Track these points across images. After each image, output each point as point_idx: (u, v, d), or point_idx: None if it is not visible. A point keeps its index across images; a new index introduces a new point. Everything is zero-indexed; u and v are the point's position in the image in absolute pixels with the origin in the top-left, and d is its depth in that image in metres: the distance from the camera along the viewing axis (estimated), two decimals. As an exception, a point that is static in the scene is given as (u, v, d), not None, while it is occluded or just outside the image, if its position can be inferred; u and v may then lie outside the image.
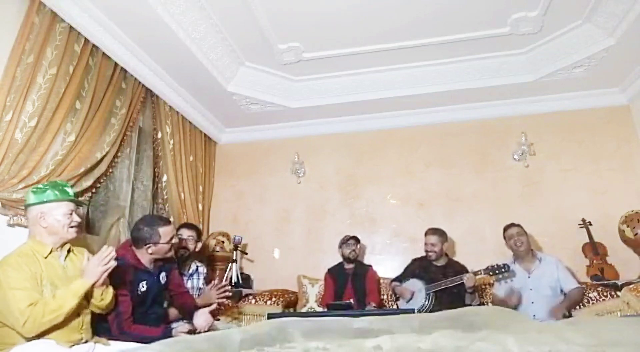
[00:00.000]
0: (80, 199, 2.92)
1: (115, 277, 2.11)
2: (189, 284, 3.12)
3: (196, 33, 3.32)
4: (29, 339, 1.81)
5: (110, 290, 2.10)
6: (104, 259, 1.95)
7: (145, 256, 2.49)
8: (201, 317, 2.59)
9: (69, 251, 2.13)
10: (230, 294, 3.01)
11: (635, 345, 1.03)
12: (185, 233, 3.20)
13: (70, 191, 2.14)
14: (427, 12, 3.29)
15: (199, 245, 3.30)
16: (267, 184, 4.80)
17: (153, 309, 2.53)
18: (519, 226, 3.42)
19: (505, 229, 3.46)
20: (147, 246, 2.46)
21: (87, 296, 2.01)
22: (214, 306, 2.72)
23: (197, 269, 3.23)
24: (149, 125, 3.94)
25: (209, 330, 2.58)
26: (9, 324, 1.81)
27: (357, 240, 3.85)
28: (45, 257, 1.98)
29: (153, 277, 2.53)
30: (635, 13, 3.09)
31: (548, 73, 3.84)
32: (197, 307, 2.73)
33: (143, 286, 2.45)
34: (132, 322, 2.31)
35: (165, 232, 2.50)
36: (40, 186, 2.11)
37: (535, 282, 3.23)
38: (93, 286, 1.96)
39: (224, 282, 2.92)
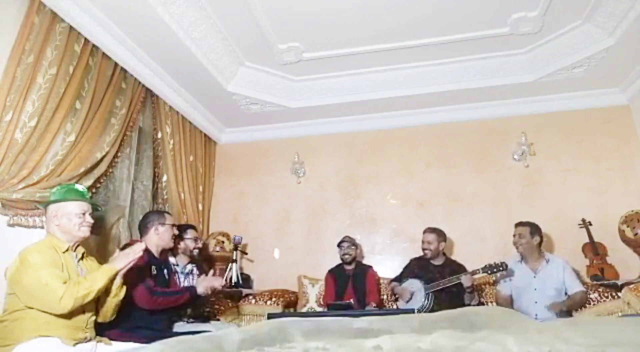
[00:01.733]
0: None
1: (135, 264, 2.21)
2: (185, 283, 3.19)
3: (196, 33, 3.32)
4: (38, 325, 1.88)
5: (124, 289, 2.18)
6: (136, 249, 2.12)
7: (152, 246, 2.69)
8: (201, 284, 2.76)
9: (82, 255, 2.22)
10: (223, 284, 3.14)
11: (635, 345, 1.03)
12: (195, 234, 3.36)
13: (87, 194, 2.29)
14: (427, 12, 3.29)
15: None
16: (267, 184, 4.80)
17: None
18: (527, 225, 3.34)
19: (514, 226, 3.42)
20: (155, 227, 2.72)
21: (100, 295, 2.07)
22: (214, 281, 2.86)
23: (192, 270, 3.31)
24: (149, 125, 3.94)
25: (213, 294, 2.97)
26: (44, 305, 1.88)
27: (351, 242, 3.83)
28: (64, 252, 2.09)
29: (160, 266, 2.71)
30: (635, 13, 3.09)
31: (548, 73, 3.84)
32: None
33: (154, 270, 2.62)
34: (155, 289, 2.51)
35: (169, 217, 2.85)
36: (59, 186, 2.24)
37: (540, 283, 3.22)
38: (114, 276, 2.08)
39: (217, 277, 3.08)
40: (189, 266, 3.28)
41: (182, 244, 3.23)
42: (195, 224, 4.20)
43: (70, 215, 2.12)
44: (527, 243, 3.31)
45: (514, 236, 3.38)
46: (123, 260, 2.08)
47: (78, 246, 2.19)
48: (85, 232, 2.16)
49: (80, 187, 2.28)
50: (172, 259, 3.18)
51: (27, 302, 1.90)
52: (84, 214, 2.16)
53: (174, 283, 2.90)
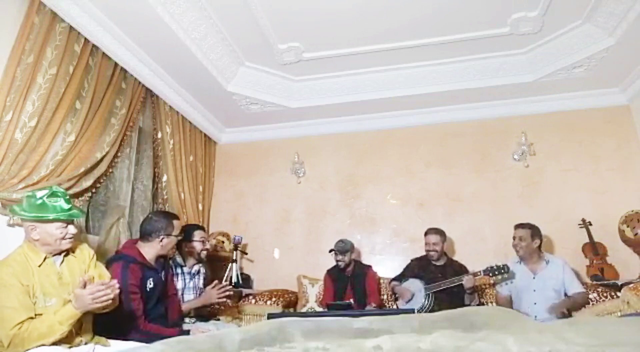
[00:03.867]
0: (80, 199, 2.94)
1: (127, 277, 2.09)
2: (191, 283, 3.17)
3: (196, 33, 3.32)
4: None
5: (116, 303, 2.05)
6: (99, 297, 1.83)
7: (151, 252, 2.56)
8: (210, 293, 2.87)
9: (66, 255, 2.08)
10: (232, 293, 3.06)
11: (635, 345, 1.02)
12: (204, 235, 3.29)
13: (65, 204, 1.99)
14: (427, 12, 3.29)
15: None
16: (267, 184, 4.80)
17: (157, 307, 2.57)
18: (528, 228, 3.31)
19: (514, 227, 3.40)
20: (160, 237, 2.55)
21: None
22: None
23: (199, 271, 3.28)
24: (149, 125, 3.94)
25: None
26: None
27: (341, 251, 3.66)
28: (39, 266, 1.92)
29: (157, 274, 2.60)
30: (635, 13, 3.09)
31: (548, 73, 3.84)
32: (182, 314, 2.86)
33: (150, 283, 2.50)
34: (145, 320, 2.36)
35: (177, 225, 2.68)
36: (35, 194, 1.97)
37: (540, 284, 3.21)
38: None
39: (224, 283, 2.98)
40: (196, 267, 3.25)
41: (189, 246, 3.16)
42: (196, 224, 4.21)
43: (50, 230, 1.93)
44: (527, 246, 3.27)
45: (514, 238, 3.35)
46: (82, 306, 1.82)
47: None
48: (66, 245, 1.99)
49: (60, 192, 2.01)
50: (178, 259, 3.17)
51: None
52: (65, 226, 1.97)
53: (173, 287, 2.87)
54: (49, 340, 1.78)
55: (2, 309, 1.75)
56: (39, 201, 1.94)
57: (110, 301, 1.87)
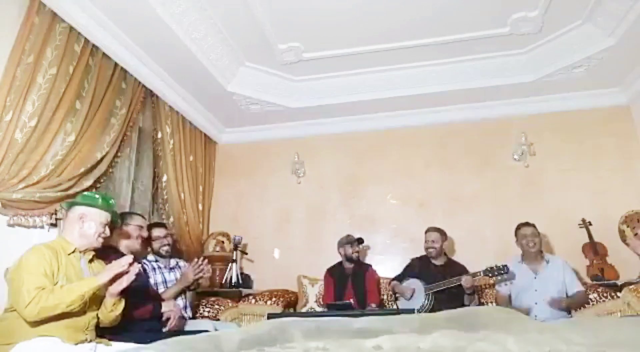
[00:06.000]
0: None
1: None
2: (172, 276, 3.22)
3: (196, 33, 3.32)
4: (34, 325, 1.86)
5: (122, 303, 2.16)
6: (122, 261, 2.02)
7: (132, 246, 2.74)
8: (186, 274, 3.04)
9: (92, 259, 2.23)
10: (208, 268, 3.14)
11: (635, 345, 1.03)
12: (162, 232, 3.28)
13: (113, 204, 2.30)
14: (427, 12, 3.29)
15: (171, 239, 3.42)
16: (267, 184, 4.80)
17: (144, 301, 2.61)
18: (533, 225, 3.35)
19: (519, 227, 3.39)
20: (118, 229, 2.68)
21: (100, 303, 2.09)
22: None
23: (177, 264, 3.34)
24: (149, 125, 3.93)
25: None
26: (16, 306, 1.86)
27: (361, 241, 3.83)
28: (69, 254, 2.08)
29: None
30: (635, 13, 3.09)
31: (548, 73, 3.84)
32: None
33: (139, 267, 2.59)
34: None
35: (133, 218, 2.82)
36: (90, 192, 2.35)
37: (541, 284, 3.21)
38: (106, 291, 2.04)
39: (201, 260, 3.09)
40: (173, 261, 3.32)
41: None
42: (195, 224, 4.21)
43: (96, 222, 2.16)
44: (540, 241, 3.30)
45: (525, 236, 3.30)
46: (104, 275, 2.00)
47: (87, 250, 2.20)
48: (100, 243, 2.21)
49: (110, 196, 2.36)
50: (150, 257, 3.22)
51: (12, 302, 1.91)
52: (106, 225, 2.21)
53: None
54: (63, 302, 1.86)
55: (30, 274, 1.87)
56: (93, 196, 2.24)
57: (132, 277, 2.06)
